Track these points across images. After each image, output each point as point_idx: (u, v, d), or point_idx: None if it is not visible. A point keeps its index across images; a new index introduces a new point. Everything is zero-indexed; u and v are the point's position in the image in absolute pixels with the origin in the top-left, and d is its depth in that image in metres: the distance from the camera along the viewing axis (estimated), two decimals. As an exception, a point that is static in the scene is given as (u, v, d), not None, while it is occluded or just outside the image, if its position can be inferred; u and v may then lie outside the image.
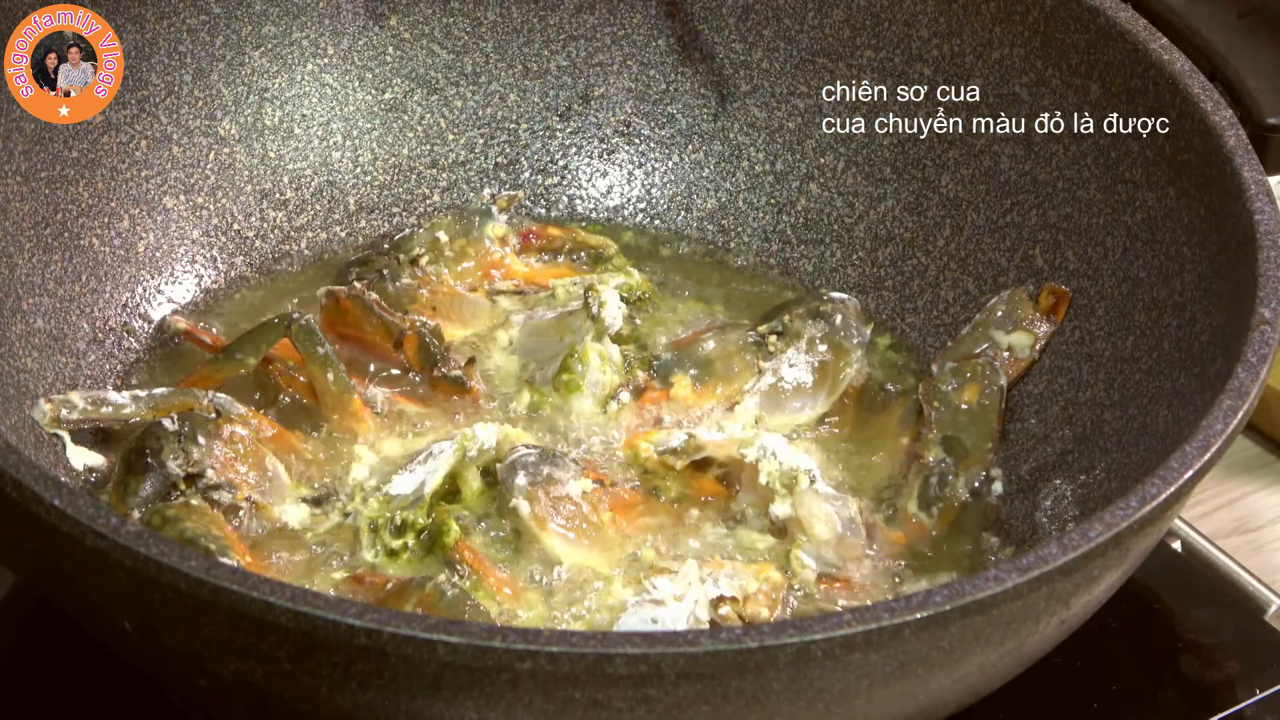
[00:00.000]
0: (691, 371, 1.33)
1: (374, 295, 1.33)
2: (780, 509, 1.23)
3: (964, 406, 1.31)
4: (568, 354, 1.32)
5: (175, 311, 1.36)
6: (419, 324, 1.32)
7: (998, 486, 1.29)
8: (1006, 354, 1.33)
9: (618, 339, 1.33)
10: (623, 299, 1.35)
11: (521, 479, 1.22)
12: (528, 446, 1.25)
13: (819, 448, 1.31)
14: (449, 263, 1.40)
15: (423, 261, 1.40)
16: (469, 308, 1.39)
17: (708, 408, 1.32)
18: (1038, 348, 1.33)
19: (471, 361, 1.33)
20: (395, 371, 1.32)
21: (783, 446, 1.24)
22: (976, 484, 1.28)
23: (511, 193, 1.46)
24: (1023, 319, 1.34)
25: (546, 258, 1.44)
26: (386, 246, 1.41)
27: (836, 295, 1.38)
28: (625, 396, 1.31)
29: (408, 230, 1.43)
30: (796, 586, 1.20)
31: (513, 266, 1.42)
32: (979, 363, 1.33)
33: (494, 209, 1.43)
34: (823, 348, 1.34)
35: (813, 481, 1.23)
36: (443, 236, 1.41)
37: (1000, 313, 1.35)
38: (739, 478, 1.26)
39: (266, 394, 1.30)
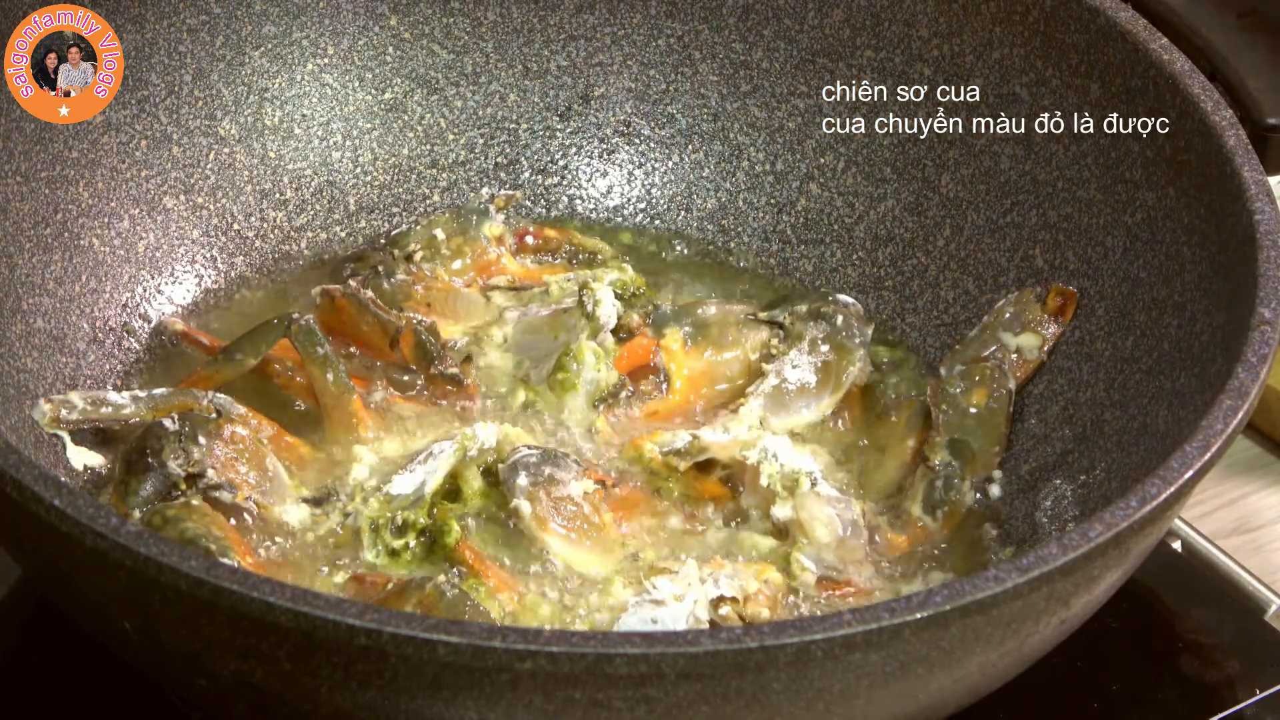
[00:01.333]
0: (686, 328, 1.33)
1: (369, 293, 1.33)
2: (781, 511, 1.23)
3: (972, 410, 1.31)
4: (562, 352, 1.31)
5: (174, 313, 1.36)
6: (415, 322, 1.32)
7: (996, 488, 1.29)
8: (1015, 356, 1.33)
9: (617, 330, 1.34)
10: (617, 295, 1.35)
11: (523, 479, 1.22)
12: (529, 447, 1.25)
13: (825, 450, 1.31)
14: (444, 260, 1.40)
15: (417, 258, 1.40)
16: (463, 303, 1.39)
17: (692, 369, 1.32)
18: (1046, 349, 1.33)
19: (468, 359, 1.33)
20: (392, 371, 1.32)
21: (785, 448, 1.24)
22: (974, 483, 1.29)
23: (509, 192, 1.46)
24: (1031, 320, 1.34)
25: (542, 258, 1.44)
26: (383, 242, 1.41)
27: (842, 298, 1.37)
28: (623, 396, 1.31)
29: (405, 227, 1.43)
30: (798, 589, 1.20)
31: (507, 266, 1.42)
32: (987, 365, 1.32)
33: (491, 208, 1.43)
34: (824, 348, 1.34)
35: (814, 484, 1.23)
36: (440, 234, 1.41)
37: (1008, 314, 1.35)
38: (742, 479, 1.26)
39: (268, 395, 1.30)
